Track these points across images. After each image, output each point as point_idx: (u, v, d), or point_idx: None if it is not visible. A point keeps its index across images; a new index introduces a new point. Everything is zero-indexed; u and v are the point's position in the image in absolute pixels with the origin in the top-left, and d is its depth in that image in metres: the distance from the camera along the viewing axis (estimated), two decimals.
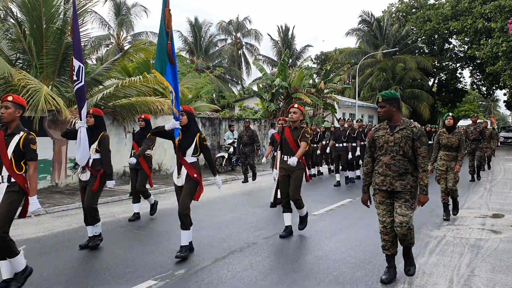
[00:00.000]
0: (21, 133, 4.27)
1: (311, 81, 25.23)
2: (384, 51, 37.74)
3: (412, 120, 4.63)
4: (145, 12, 35.55)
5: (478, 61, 37.64)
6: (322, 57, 49.59)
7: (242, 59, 45.94)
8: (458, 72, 44.75)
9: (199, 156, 5.59)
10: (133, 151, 8.02)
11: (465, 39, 35.99)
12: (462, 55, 41.45)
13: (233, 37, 45.45)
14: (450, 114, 7.93)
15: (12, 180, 4.19)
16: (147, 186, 7.94)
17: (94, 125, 5.89)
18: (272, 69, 43.28)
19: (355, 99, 31.44)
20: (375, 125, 4.94)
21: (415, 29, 40.16)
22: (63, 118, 10.24)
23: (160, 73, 5.28)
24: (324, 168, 15.11)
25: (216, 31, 44.11)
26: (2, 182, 4.19)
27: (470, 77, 45.23)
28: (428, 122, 31.78)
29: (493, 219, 7.76)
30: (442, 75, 44.74)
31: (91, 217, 5.76)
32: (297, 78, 23.27)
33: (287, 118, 7.34)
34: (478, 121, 14.14)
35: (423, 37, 40.00)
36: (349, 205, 9.04)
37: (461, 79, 46.07)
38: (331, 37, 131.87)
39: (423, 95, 37.77)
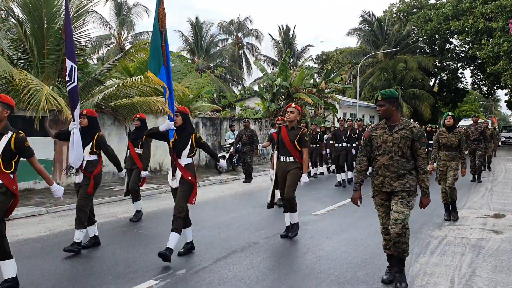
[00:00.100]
0: (10, 133, 4.17)
1: (312, 81, 25.21)
2: (385, 51, 37.73)
3: (412, 120, 4.59)
4: (146, 12, 35.58)
5: (479, 61, 37.61)
6: (323, 57, 49.59)
7: (243, 59, 45.93)
8: (459, 72, 44.74)
9: (194, 157, 5.55)
10: (128, 151, 7.88)
11: (466, 39, 35.98)
12: (463, 55, 41.45)
13: (234, 37, 45.44)
14: (450, 113, 7.90)
15: (0, 181, 4.11)
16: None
17: (88, 126, 5.79)
18: (273, 69, 43.22)
19: (356, 99, 31.43)
20: (372, 124, 4.79)
21: (416, 29, 40.17)
22: (64, 118, 10.25)
23: (154, 74, 5.21)
24: (322, 168, 15.01)
25: (217, 31, 44.14)
26: None
27: (471, 77, 45.23)
28: (429, 122, 31.74)
29: (494, 219, 7.75)
30: (443, 75, 44.72)
31: (79, 220, 5.56)
32: (298, 78, 23.26)
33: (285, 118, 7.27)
34: (479, 121, 14.06)
35: (424, 37, 40.01)
36: (350, 205, 8.97)
37: (462, 79, 46.08)
38: (332, 37, 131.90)
39: (424, 95, 37.77)
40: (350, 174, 12.41)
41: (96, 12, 32.33)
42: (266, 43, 75.03)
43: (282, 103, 22.90)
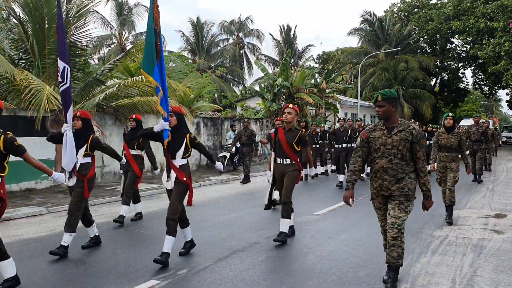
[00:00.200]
0: None
1: (313, 81, 25.22)
2: (386, 51, 37.70)
3: (412, 120, 4.57)
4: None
5: (481, 61, 37.57)
6: (324, 57, 49.60)
7: (244, 59, 45.94)
8: (460, 72, 44.69)
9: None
10: (123, 152, 7.63)
11: (467, 38, 35.96)
12: (464, 54, 41.41)
13: (235, 37, 45.44)
14: (450, 114, 7.81)
15: None
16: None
17: (82, 128, 5.67)
18: (274, 69, 43.25)
19: (357, 98, 31.42)
20: (370, 125, 4.65)
21: (417, 28, 40.15)
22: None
23: (147, 73, 5.11)
24: (323, 169, 14.96)
25: (218, 31, 44.16)
26: None
27: (472, 76, 45.16)
28: (430, 122, 31.73)
29: (496, 219, 7.74)
30: (444, 74, 44.69)
31: (69, 223, 5.41)
32: (299, 78, 23.27)
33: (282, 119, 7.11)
34: (481, 121, 13.95)
35: (425, 37, 39.98)
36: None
37: (463, 79, 46.04)
38: (333, 37, 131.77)
39: (425, 95, 37.75)
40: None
41: (97, 12, 32.41)
42: (267, 43, 75.29)
43: (283, 103, 22.91)
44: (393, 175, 4.22)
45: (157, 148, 8.41)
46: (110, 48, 34.20)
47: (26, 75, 10.16)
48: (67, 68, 5.40)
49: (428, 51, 42.92)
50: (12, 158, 4.31)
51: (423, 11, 39.17)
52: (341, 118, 13.71)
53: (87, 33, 12.27)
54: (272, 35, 52.24)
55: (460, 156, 7.69)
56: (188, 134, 5.32)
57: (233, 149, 14.96)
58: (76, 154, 5.49)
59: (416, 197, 4.32)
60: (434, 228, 6.96)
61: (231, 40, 45.36)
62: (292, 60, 43.87)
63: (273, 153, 6.40)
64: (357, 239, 6.28)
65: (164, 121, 5.14)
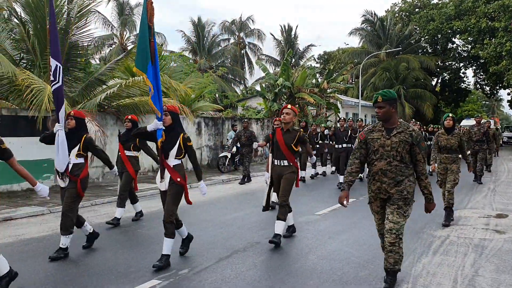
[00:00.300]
0: None
1: (314, 81, 25.24)
2: (387, 51, 37.70)
3: (413, 120, 4.52)
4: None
5: (482, 61, 37.57)
6: (325, 57, 49.61)
7: (245, 59, 45.97)
8: (461, 71, 44.70)
9: (184, 159, 5.29)
10: (119, 153, 7.57)
11: (469, 38, 35.95)
12: (465, 54, 41.40)
13: (236, 36, 45.47)
14: (450, 114, 7.68)
15: None
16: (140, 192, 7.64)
17: (75, 127, 5.55)
18: (275, 69, 43.28)
19: (358, 98, 31.42)
20: (369, 125, 4.48)
21: (418, 28, 40.15)
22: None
23: (141, 71, 4.96)
24: (324, 168, 14.91)
25: (219, 30, 44.20)
26: None
27: (473, 76, 45.16)
28: (431, 122, 31.72)
29: (497, 219, 7.73)
30: (446, 74, 44.70)
31: (64, 226, 5.34)
32: (300, 77, 23.28)
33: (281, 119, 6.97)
34: (482, 121, 13.85)
35: (427, 37, 39.97)
36: (352, 205, 8.99)
37: (465, 79, 46.04)
38: (334, 36, 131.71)
39: (426, 95, 37.73)
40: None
41: (98, 12, 32.40)
42: (268, 43, 75.31)
43: (284, 103, 22.92)
44: (392, 177, 4.11)
45: (152, 148, 8.40)
46: (111, 48, 34.23)
47: (28, 75, 10.18)
48: (59, 67, 5.30)
49: (429, 51, 42.92)
50: None
51: (424, 11, 39.18)
52: (342, 118, 13.61)
53: (88, 33, 12.31)
54: (273, 35, 52.26)
55: (461, 156, 7.62)
56: (182, 134, 5.15)
57: (234, 149, 14.96)
58: (69, 154, 5.38)
59: (415, 200, 4.26)
60: (436, 228, 6.95)
61: (232, 40, 45.40)
62: (293, 60, 43.91)
63: (270, 154, 6.31)
64: (358, 239, 6.28)
65: (157, 120, 5.03)
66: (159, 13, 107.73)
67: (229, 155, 15.31)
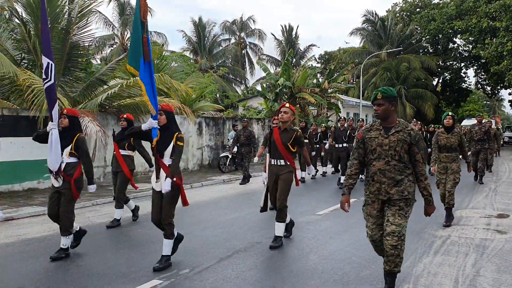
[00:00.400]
0: None
1: (315, 81, 25.25)
2: (388, 51, 37.69)
3: (414, 120, 4.44)
4: (150, 12, 35.45)
5: (483, 61, 37.55)
6: (326, 57, 49.63)
7: (246, 59, 45.99)
8: (462, 71, 44.69)
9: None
10: (113, 153, 7.45)
11: (470, 38, 35.91)
12: (466, 54, 41.37)
13: (237, 36, 45.49)
14: (450, 113, 7.60)
15: None
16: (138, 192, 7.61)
17: (69, 126, 5.45)
18: (276, 69, 43.30)
19: (359, 98, 31.41)
20: (367, 124, 4.37)
21: (419, 28, 40.13)
22: None
23: (135, 69, 4.89)
24: (322, 169, 14.81)
25: (220, 30, 44.23)
26: None
27: (474, 76, 45.13)
28: (432, 122, 31.72)
29: (498, 219, 7.72)
30: (447, 74, 44.67)
31: (64, 228, 5.35)
32: (301, 77, 23.28)
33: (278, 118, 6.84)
34: (483, 121, 13.74)
35: (427, 37, 39.97)
36: (353, 204, 8.93)
37: (466, 79, 46.03)
38: (335, 36, 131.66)
39: (427, 95, 37.72)
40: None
41: (100, 12, 32.44)
42: (269, 43, 75.32)
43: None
44: (391, 177, 3.98)
45: (148, 148, 8.36)
46: (112, 48, 34.24)
47: (29, 75, 10.18)
48: (51, 65, 5.21)
49: (430, 51, 42.90)
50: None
51: (425, 11, 39.16)
52: (342, 118, 13.55)
53: (89, 33, 12.29)
54: (274, 35, 52.35)
55: (461, 156, 7.56)
56: (176, 133, 5.03)
57: (234, 149, 14.97)
58: (62, 154, 5.32)
59: (416, 200, 4.17)
60: (437, 228, 6.95)
61: (233, 40, 45.42)
62: (294, 60, 43.90)
63: (268, 154, 6.21)
64: (359, 239, 6.26)
65: (152, 119, 4.95)
66: (160, 12, 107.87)
67: (230, 155, 15.32)
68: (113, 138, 7.64)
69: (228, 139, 16.58)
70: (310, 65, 28.38)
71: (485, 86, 45.28)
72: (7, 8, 12.53)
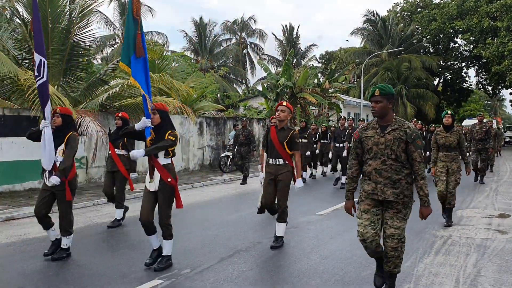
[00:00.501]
0: None
1: (316, 81, 25.27)
2: (389, 51, 37.68)
3: (415, 119, 4.38)
4: (150, 12, 35.71)
5: (484, 61, 37.49)
6: (326, 57, 49.59)
7: (247, 59, 46.02)
8: (463, 71, 44.65)
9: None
10: (109, 152, 7.38)
11: (471, 38, 35.87)
12: (467, 54, 41.32)
13: (237, 36, 45.51)
14: (449, 112, 7.52)
15: None
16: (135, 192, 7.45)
17: (62, 125, 5.35)
18: (276, 69, 43.28)
19: (360, 98, 31.40)
20: (363, 124, 4.25)
21: (420, 28, 40.09)
22: None
23: (126, 65, 4.83)
24: (323, 169, 14.74)
25: (221, 30, 44.27)
26: None
27: (475, 76, 45.16)
28: (433, 122, 31.70)
29: (499, 219, 7.71)
30: (448, 74, 44.63)
31: (64, 228, 5.34)
32: (301, 77, 23.29)
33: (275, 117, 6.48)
34: (484, 120, 13.66)
35: (428, 37, 39.94)
36: None
37: (467, 79, 46.03)
38: (336, 36, 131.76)
39: (428, 95, 37.71)
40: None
41: (100, 12, 32.50)
42: (269, 42, 75.34)
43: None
44: (387, 177, 3.87)
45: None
46: (113, 48, 34.25)
47: (30, 75, 10.18)
48: (44, 61, 5.10)
49: (431, 50, 42.86)
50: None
51: (426, 10, 39.12)
52: (342, 117, 13.52)
53: (90, 33, 12.27)
54: (275, 35, 52.08)
55: (460, 156, 7.48)
56: (169, 131, 4.92)
57: (235, 150, 14.96)
58: (55, 153, 5.24)
59: (415, 200, 4.09)
60: (438, 228, 6.94)
61: (234, 40, 45.45)
62: (295, 59, 43.86)
63: (265, 154, 6.13)
64: None
65: (146, 118, 4.88)
66: (160, 12, 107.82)
67: (231, 155, 15.31)
68: (108, 137, 7.51)
69: (229, 139, 16.58)
70: (311, 65, 28.43)
71: (486, 86, 45.23)
72: (8, 8, 12.53)
